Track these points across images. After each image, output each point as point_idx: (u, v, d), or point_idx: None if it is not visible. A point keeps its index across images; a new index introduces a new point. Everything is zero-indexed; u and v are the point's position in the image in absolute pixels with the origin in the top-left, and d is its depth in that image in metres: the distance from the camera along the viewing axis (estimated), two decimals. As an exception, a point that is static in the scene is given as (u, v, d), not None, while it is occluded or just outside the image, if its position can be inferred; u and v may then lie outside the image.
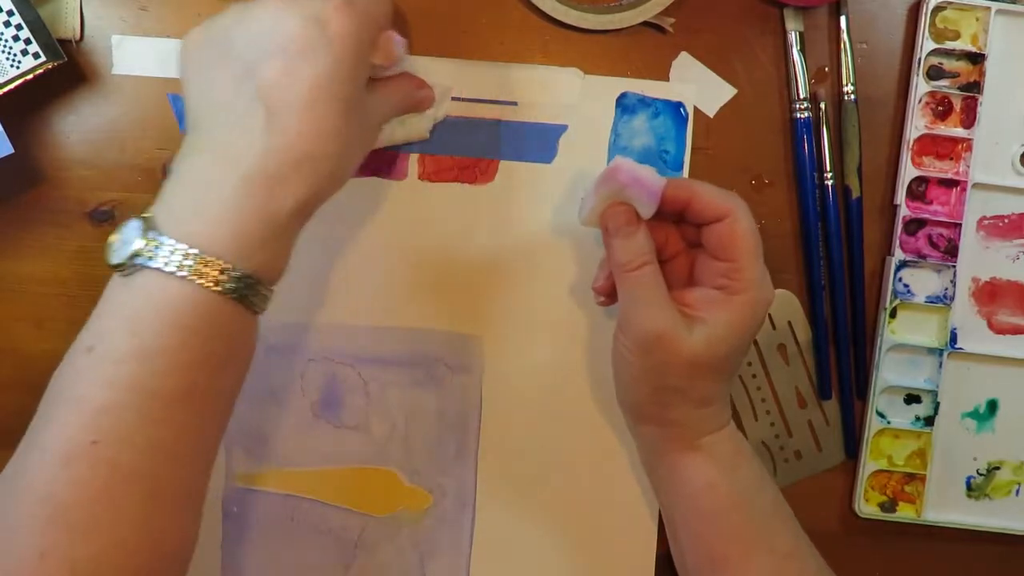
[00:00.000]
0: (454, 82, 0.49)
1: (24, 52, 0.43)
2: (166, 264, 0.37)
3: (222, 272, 0.37)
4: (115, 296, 0.38)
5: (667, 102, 0.51)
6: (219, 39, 0.39)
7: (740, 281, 0.43)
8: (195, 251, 0.37)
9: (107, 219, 0.49)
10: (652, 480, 0.49)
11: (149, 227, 0.38)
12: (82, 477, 0.35)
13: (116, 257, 0.38)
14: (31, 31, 0.43)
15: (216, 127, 0.39)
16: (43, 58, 0.44)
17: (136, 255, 0.37)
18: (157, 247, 0.37)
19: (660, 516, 0.51)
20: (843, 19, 0.51)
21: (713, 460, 0.45)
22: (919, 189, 0.51)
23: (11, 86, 0.43)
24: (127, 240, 0.38)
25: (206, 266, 0.37)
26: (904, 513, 0.52)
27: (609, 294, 0.47)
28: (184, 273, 0.37)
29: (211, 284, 0.37)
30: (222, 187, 0.38)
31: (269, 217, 0.38)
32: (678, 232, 0.47)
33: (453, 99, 0.50)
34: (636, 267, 0.44)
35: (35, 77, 0.44)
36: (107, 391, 0.36)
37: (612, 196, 0.44)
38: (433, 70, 0.49)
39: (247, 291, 0.38)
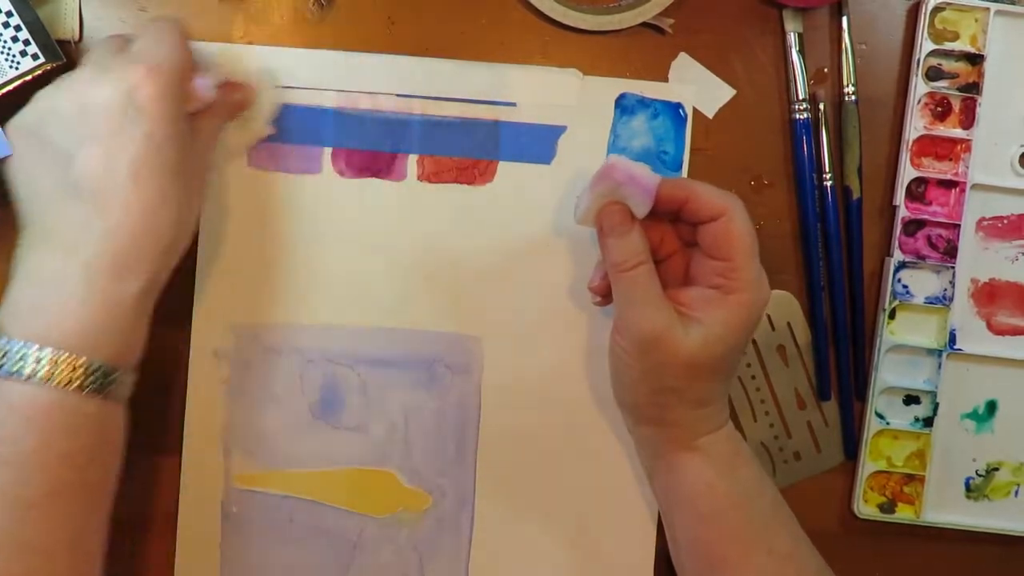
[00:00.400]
0: (449, 83, 0.49)
1: (23, 53, 0.43)
2: (20, 370, 0.37)
3: (76, 369, 0.37)
4: None
5: (666, 103, 0.51)
6: (34, 129, 0.40)
7: (736, 280, 0.43)
8: (47, 352, 0.37)
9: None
10: (651, 481, 0.49)
11: None
12: None
13: None
14: (30, 32, 0.43)
15: (48, 219, 0.39)
16: (42, 59, 0.44)
17: None
18: (6, 354, 0.37)
19: (659, 516, 0.51)
20: (844, 20, 0.51)
21: (711, 461, 0.45)
22: (918, 190, 0.51)
23: (10, 87, 0.43)
24: None
25: (59, 366, 0.37)
26: (903, 514, 0.52)
27: (605, 294, 0.47)
28: (38, 376, 0.37)
29: (66, 383, 0.37)
30: (64, 279, 0.38)
31: (117, 302, 0.38)
32: (674, 231, 0.47)
33: (453, 100, 0.50)
34: (631, 267, 0.43)
35: (34, 79, 0.44)
36: None
37: (607, 195, 0.44)
38: (248, 59, 0.48)
39: (104, 382, 0.38)
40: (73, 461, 0.38)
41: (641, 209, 0.44)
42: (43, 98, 0.40)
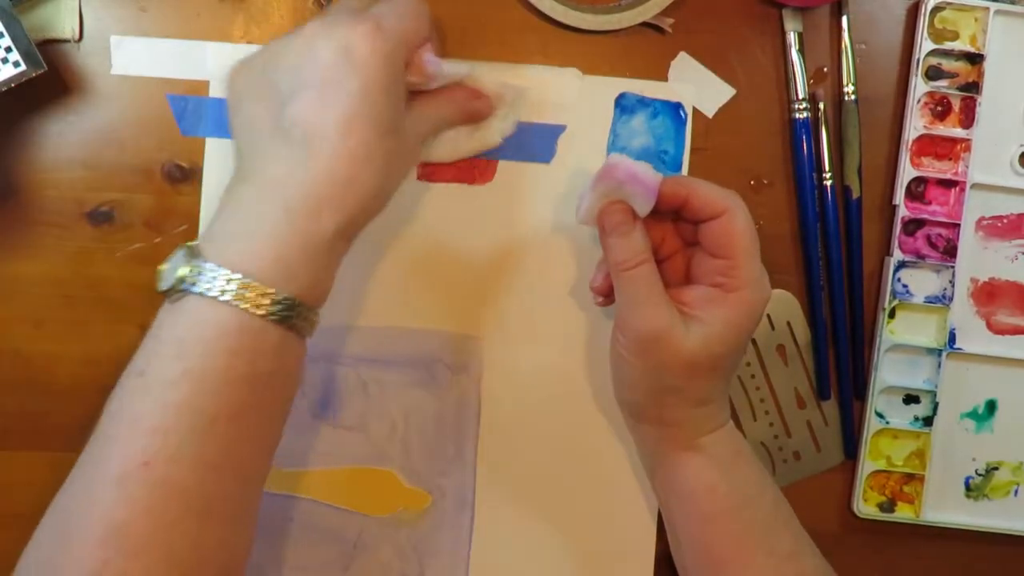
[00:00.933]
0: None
1: (4, 60, 0.43)
2: (209, 290, 0.38)
3: (264, 296, 0.38)
4: (164, 320, 0.39)
5: (666, 102, 0.51)
6: (257, 72, 0.41)
7: (737, 279, 0.43)
8: (238, 276, 0.38)
9: (106, 219, 0.49)
10: (652, 481, 0.49)
11: (194, 254, 0.39)
12: (133, 496, 0.36)
13: (164, 283, 0.39)
14: (12, 39, 0.43)
15: (257, 157, 0.40)
16: (23, 67, 0.43)
17: (181, 280, 0.38)
18: (200, 273, 0.38)
19: (659, 515, 0.51)
20: (844, 19, 0.51)
21: (712, 461, 0.45)
22: (918, 189, 0.52)
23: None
24: (174, 267, 0.39)
25: (249, 291, 0.38)
26: (903, 513, 0.52)
27: (607, 294, 0.47)
28: (227, 298, 0.38)
29: (254, 308, 0.38)
30: (264, 215, 0.39)
31: (311, 242, 0.39)
32: (675, 230, 0.47)
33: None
34: (633, 266, 0.43)
35: (16, 86, 0.43)
36: (157, 413, 0.37)
37: (609, 194, 0.44)
38: (509, 75, 0.49)
39: (290, 314, 0.39)
40: (254, 384, 0.39)
41: (643, 208, 0.44)
42: (275, 42, 0.41)
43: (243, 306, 0.38)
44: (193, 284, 0.38)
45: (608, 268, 0.45)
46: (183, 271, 0.38)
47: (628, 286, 0.44)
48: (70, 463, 0.39)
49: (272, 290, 0.38)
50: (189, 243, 0.40)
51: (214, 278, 0.38)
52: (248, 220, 0.39)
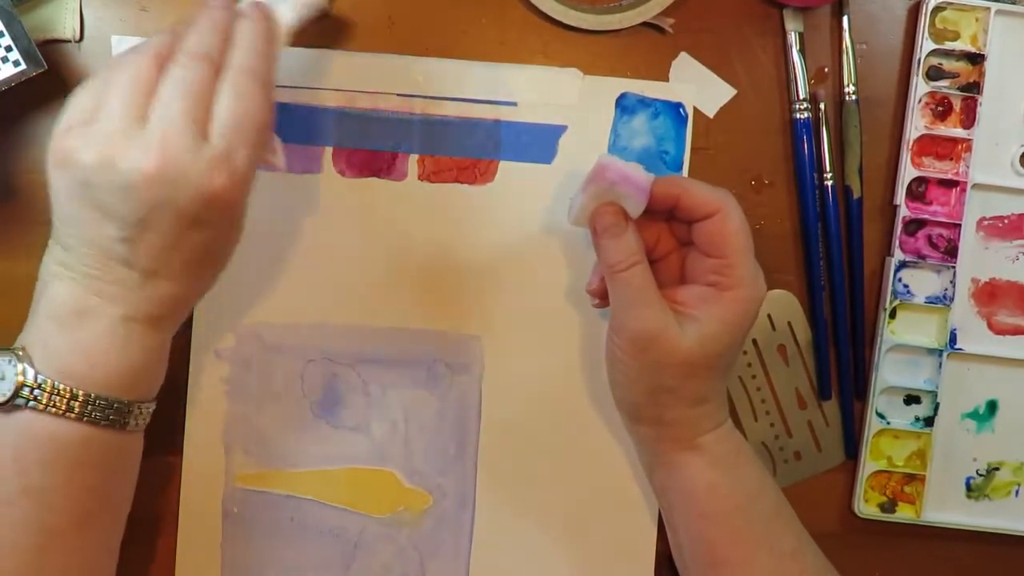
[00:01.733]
0: (450, 83, 0.49)
1: (4, 60, 0.43)
2: (45, 403, 0.37)
3: (104, 408, 0.38)
4: (0, 434, 0.38)
5: (667, 102, 0.51)
6: (83, 178, 0.36)
7: (731, 277, 0.43)
8: (71, 387, 0.37)
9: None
10: (652, 481, 0.49)
11: (25, 362, 0.38)
12: None
13: None
14: (12, 39, 0.43)
15: (89, 261, 0.38)
16: (23, 66, 0.43)
17: (16, 393, 0.37)
18: (33, 388, 0.37)
19: (659, 515, 0.51)
20: (845, 19, 0.51)
21: (712, 460, 0.45)
22: (919, 189, 0.51)
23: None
24: (3, 376, 0.38)
25: (88, 405, 0.37)
26: (904, 513, 0.52)
27: (603, 296, 0.46)
28: (63, 410, 0.37)
29: (90, 418, 0.38)
30: (98, 323, 0.38)
31: (150, 348, 0.39)
32: (669, 230, 0.47)
33: (454, 99, 0.50)
34: (626, 267, 0.43)
35: (17, 86, 0.43)
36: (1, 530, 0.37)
37: (601, 195, 0.44)
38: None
39: (127, 417, 0.39)
40: (97, 492, 0.39)
41: (635, 209, 0.44)
42: (87, 147, 0.36)
43: (80, 417, 0.37)
44: (27, 399, 0.37)
45: (602, 269, 0.45)
46: (14, 382, 0.37)
47: (622, 287, 0.43)
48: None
49: (107, 397, 0.38)
50: (17, 348, 0.38)
51: (54, 394, 0.37)
52: (85, 330, 0.38)
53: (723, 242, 0.43)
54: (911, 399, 0.52)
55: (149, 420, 0.41)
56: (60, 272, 0.39)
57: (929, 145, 0.51)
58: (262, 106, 0.38)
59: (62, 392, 0.37)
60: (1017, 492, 0.53)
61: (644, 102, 0.50)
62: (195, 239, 0.38)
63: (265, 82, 0.39)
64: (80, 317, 0.38)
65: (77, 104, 0.37)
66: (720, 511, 0.45)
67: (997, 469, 0.53)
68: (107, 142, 0.36)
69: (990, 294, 0.52)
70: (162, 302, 0.39)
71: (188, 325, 0.49)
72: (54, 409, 0.37)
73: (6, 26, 0.43)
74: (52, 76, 0.46)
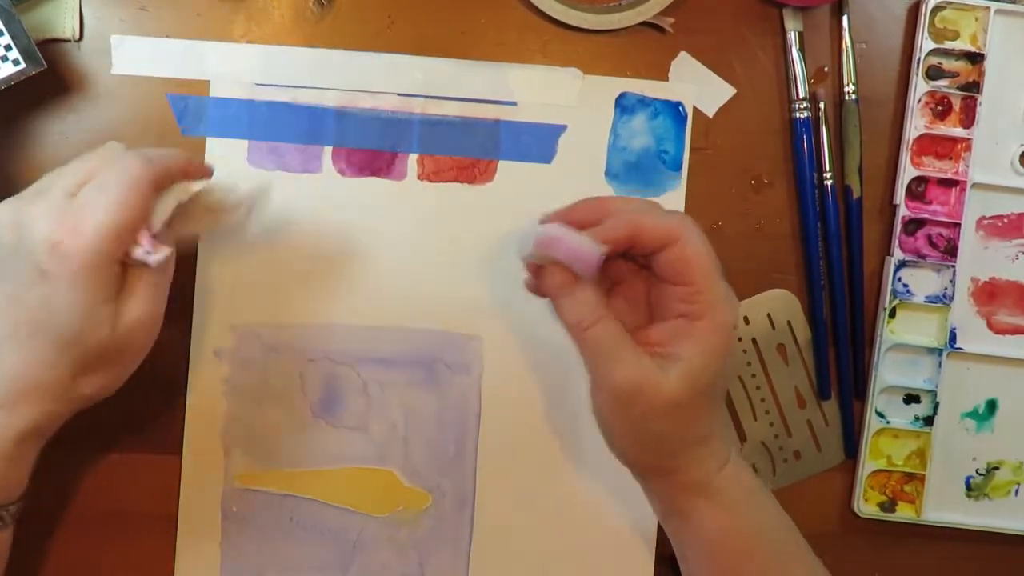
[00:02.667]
0: (449, 83, 0.49)
1: (4, 59, 0.43)
2: None
3: None
4: None
5: (666, 102, 0.51)
6: None
7: (702, 304, 0.40)
8: None
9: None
10: (664, 527, 0.46)
11: None
12: None
13: None
14: (12, 38, 0.43)
15: None
16: (23, 65, 0.43)
17: None
18: None
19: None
20: (845, 19, 0.51)
21: (724, 505, 0.43)
22: (918, 189, 0.51)
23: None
24: None
25: None
26: (903, 513, 0.52)
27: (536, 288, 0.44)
28: None
29: None
30: None
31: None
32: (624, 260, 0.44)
33: (453, 99, 0.50)
34: (590, 324, 0.40)
35: (16, 85, 0.43)
36: None
37: (547, 259, 0.41)
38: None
39: None
40: None
41: (585, 274, 0.41)
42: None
43: None
44: None
45: (565, 329, 0.42)
46: None
47: (591, 347, 0.41)
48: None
49: None
50: None
51: None
52: None
53: (687, 269, 0.40)
54: (911, 398, 0.52)
55: (11, 523, 0.40)
56: None
57: (929, 144, 0.51)
58: (128, 196, 0.38)
59: None
60: (1017, 491, 0.53)
61: (644, 102, 0.50)
62: (40, 292, 0.37)
63: (121, 194, 0.38)
64: None
65: None
66: (734, 553, 0.43)
67: (997, 468, 0.53)
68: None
69: (990, 293, 0.52)
70: (4, 378, 0.37)
71: (188, 325, 0.49)
72: None
73: (6, 25, 0.43)
74: (52, 75, 0.46)
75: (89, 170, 0.39)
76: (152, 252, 0.39)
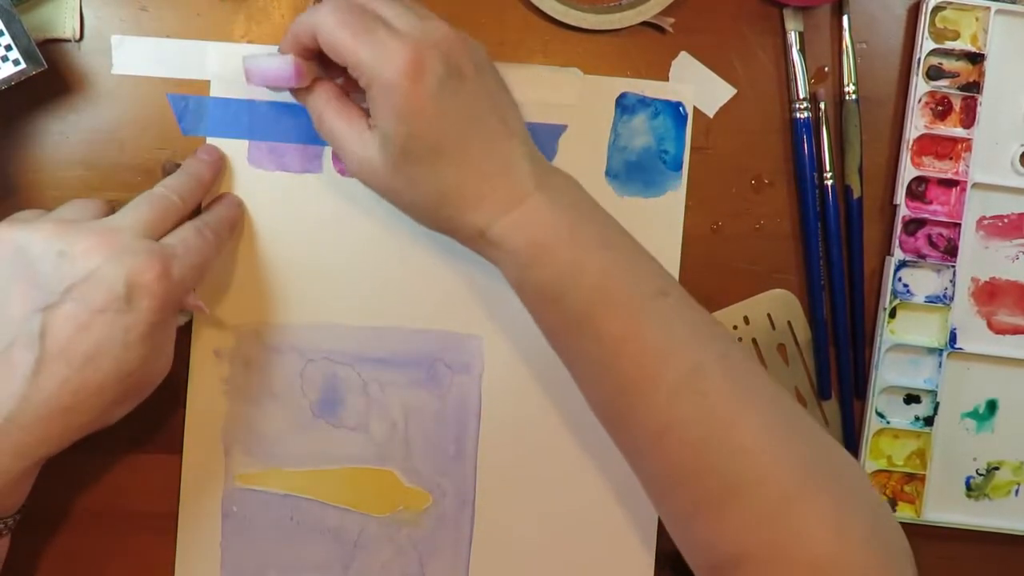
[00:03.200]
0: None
1: (4, 59, 0.43)
2: None
3: None
4: None
5: (667, 102, 0.51)
6: (26, 257, 0.38)
7: (364, 74, 0.40)
8: None
9: (106, 219, 0.49)
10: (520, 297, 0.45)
11: None
12: None
13: None
14: (12, 38, 0.43)
15: None
16: (24, 65, 0.43)
17: None
18: None
19: (659, 516, 0.51)
20: (845, 19, 0.51)
21: (512, 254, 0.43)
22: (919, 189, 0.51)
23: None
24: None
25: None
26: (904, 513, 0.52)
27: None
28: None
29: None
30: None
31: (8, 466, 0.38)
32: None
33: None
34: (318, 120, 0.43)
35: (17, 85, 0.43)
36: None
37: (266, 85, 0.45)
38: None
39: None
40: None
41: (293, 84, 0.43)
42: (50, 229, 0.39)
43: None
44: None
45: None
46: None
47: (328, 137, 0.43)
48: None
49: None
50: None
51: None
52: None
53: (333, 52, 0.40)
54: (911, 398, 0.52)
55: (8, 532, 0.41)
56: None
57: (929, 145, 0.51)
58: (208, 254, 0.43)
59: None
60: (1017, 491, 0.53)
61: (644, 101, 0.50)
62: (99, 330, 0.38)
63: (218, 243, 0.44)
64: None
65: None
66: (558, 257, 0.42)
67: (997, 468, 0.53)
68: (57, 224, 0.39)
69: (990, 293, 0.52)
70: (36, 405, 0.37)
71: (188, 325, 0.49)
72: None
73: (6, 25, 0.43)
74: (52, 75, 0.46)
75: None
76: (199, 302, 0.43)
